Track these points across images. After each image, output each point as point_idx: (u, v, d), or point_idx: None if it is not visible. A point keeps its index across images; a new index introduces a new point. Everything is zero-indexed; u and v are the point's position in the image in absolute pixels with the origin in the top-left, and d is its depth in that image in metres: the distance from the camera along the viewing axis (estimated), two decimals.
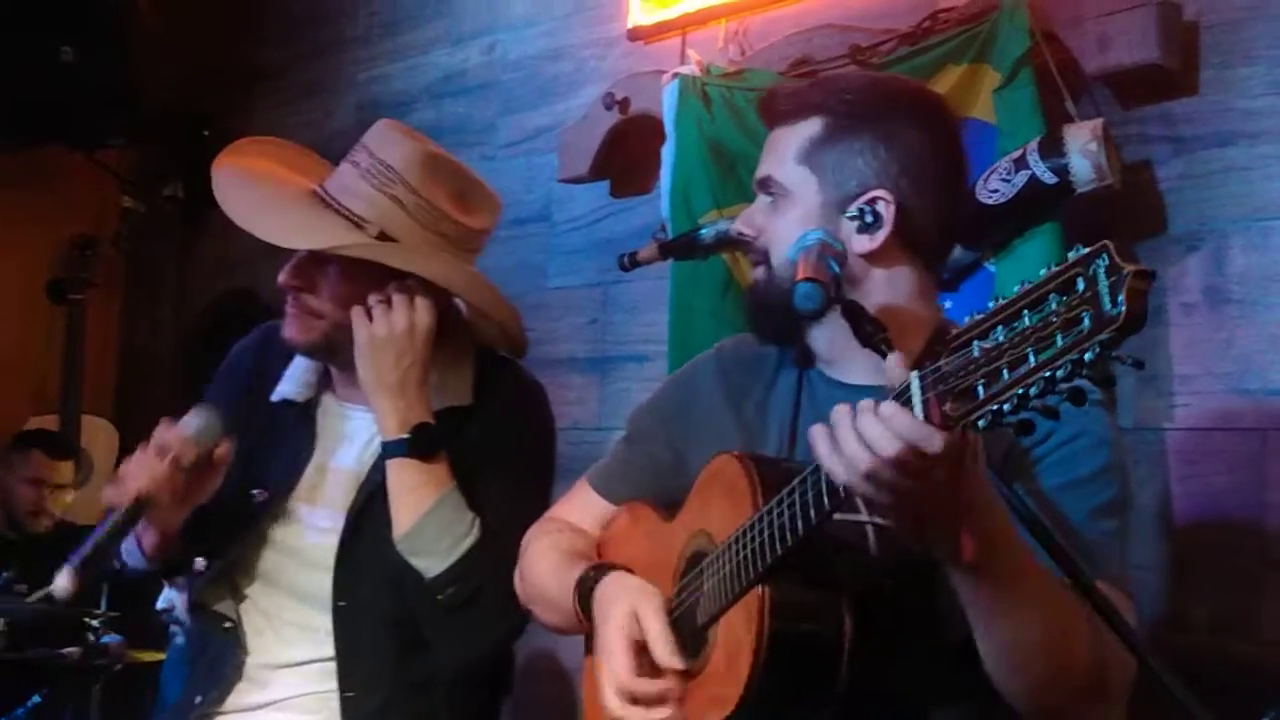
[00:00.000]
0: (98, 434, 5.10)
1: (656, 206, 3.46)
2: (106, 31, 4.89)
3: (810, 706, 1.60)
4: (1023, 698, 1.61)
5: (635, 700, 1.72)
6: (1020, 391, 1.20)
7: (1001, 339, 1.23)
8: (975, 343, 1.26)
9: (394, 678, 2.30)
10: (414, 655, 2.31)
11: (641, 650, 1.74)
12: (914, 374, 1.35)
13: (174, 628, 2.80)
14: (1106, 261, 1.14)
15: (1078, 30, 2.76)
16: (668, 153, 3.38)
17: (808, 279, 1.64)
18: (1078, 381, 1.18)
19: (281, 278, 2.32)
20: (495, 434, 2.37)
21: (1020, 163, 2.65)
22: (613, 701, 1.74)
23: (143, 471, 2.20)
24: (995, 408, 1.23)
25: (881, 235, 1.79)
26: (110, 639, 3.63)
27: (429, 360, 2.29)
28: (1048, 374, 1.18)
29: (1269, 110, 2.66)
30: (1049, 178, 2.61)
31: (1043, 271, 1.21)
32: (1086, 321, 1.15)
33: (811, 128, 1.82)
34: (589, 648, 2.05)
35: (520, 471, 2.36)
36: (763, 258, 1.86)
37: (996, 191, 2.65)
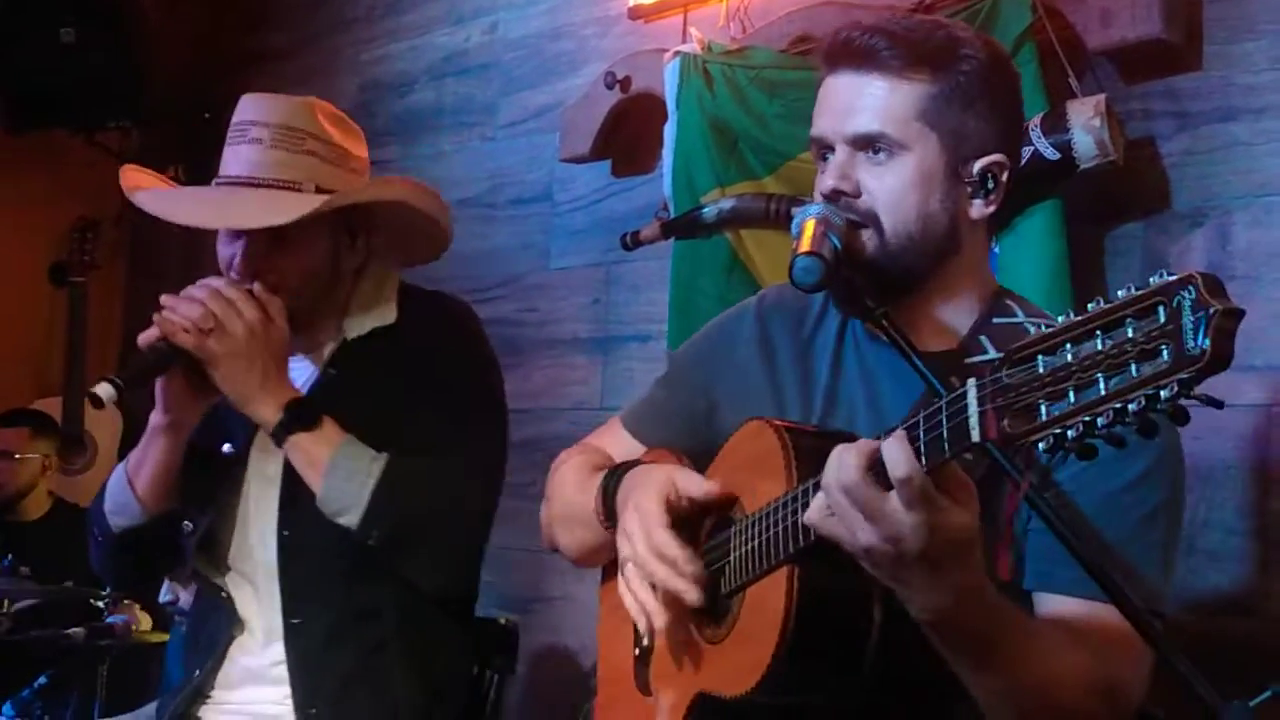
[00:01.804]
0: (102, 417, 5.09)
1: (659, 185, 3.45)
2: (107, 13, 4.88)
3: (832, 690, 1.59)
4: None
5: (662, 558, 1.68)
6: (1087, 419, 1.16)
7: (1069, 358, 1.18)
8: (1040, 357, 1.21)
9: (341, 605, 2.34)
10: (362, 583, 2.34)
11: (674, 510, 1.71)
12: (972, 381, 1.30)
13: (178, 617, 2.81)
14: (1193, 295, 1.09)
15: (1080, 5, 2.75)
16: (669, 131, 3.37)
17: (809, 253, 1.62)
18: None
19: (238, 266, 2.34)
20: (422, 348, 2.42)
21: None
22: (644, 553, 1.69)
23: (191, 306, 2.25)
24: (1059, 431, 1.19)
25: (996, 201, 1.77)
26: (115, 619, 3.65)
27: (283, 348, 2.32)
28: (1119, 405, 1.13)
29: (1273, 85, 2.65)
30: (1052, 154, 2.61)
31: (1121, 293, 1.15)
32: (1165, 355, 1.10)
33: (929, 84, 1.70)
34: (606, 577, 2.05)
35: (453, 383, 2.41)
36: (868, 220, 1.72)
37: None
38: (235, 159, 2.39)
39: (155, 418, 2.35)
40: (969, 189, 1.75)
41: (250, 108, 2.42)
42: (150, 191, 2.46)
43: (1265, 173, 2.65)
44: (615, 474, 1.87)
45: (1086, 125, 2.59)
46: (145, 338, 2.25)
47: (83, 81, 4.89)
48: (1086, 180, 2.67)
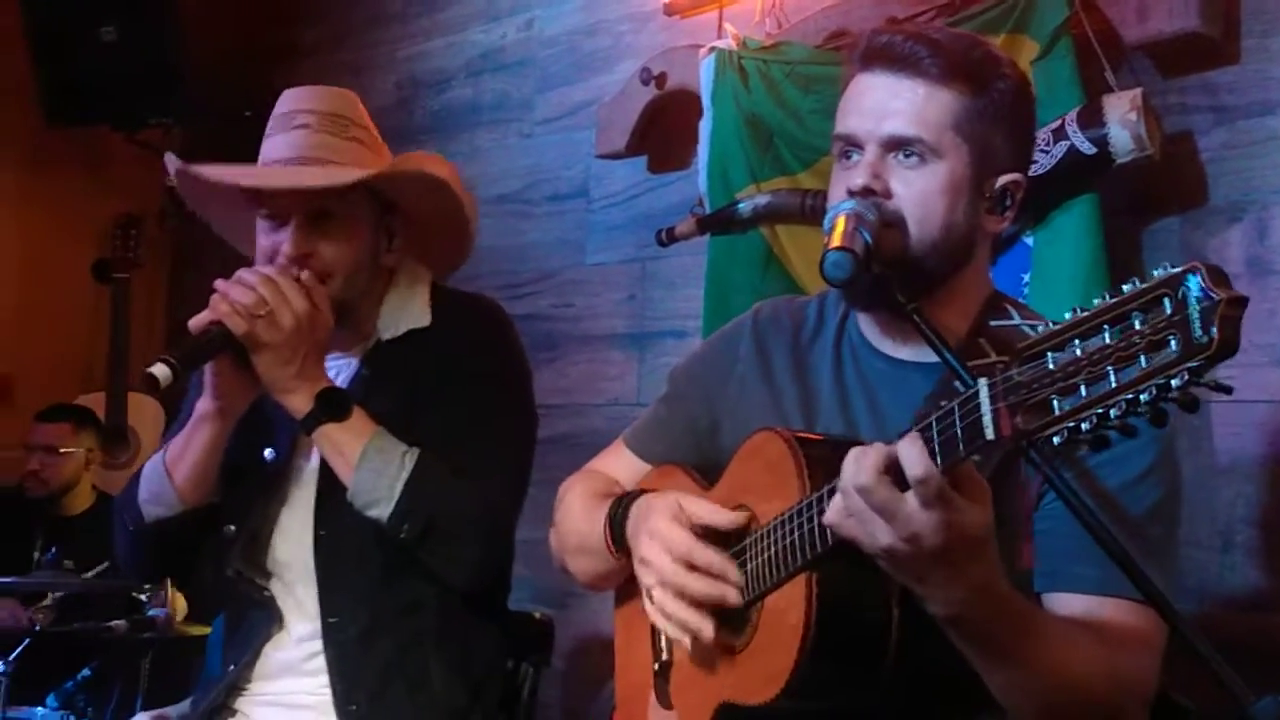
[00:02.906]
0: (144, 412, 5.15)
1: (694, 181, 3.46)
2: (148, 11, 4.92)
3: (855, 692, 1.60)
4: None
5: (694, 568, 1.69)
6: (1100, 411, 1.18)
7: (1079, 353, 1.20)
8: (1049, 354, 1.23)
9: (379, 602, 2.34)
10: (398, 579, 2.35)
11: (693, 528, 1.72)
12: (982, 381, 1.32)
13: None
14: (1198, 285, 1.11)
15: None
16: (705, 127, 3.38)
17: (840, 248, 1.62)
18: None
19: (287, 250, 2.33)
20: (455, 350, 2.42)
21: (1059, 134, 2.63)
22: (672, 573, 1.69)
23: (249, 295, 2.23)
24: (1072, 424, 1.21)
25: (1010, 219, 1.81)
26: (156, 612, 3.68)
27: (325, 338, 2.32)
28: (1130, 396, 1.15)
29: None
30: (1088, 148, 2.60)
31: (1126, 287, 1.17)
32: (1173, 345, 1.12)
33: (964, 95, 1.72)
34: (619, 599, 2.07)
35: (485, 384, 2.40)
36: (895, 222, 1.71)
37: (1035, 163, 2.62)
38: (281, 145, 2.39)
39: (203, 404, 2.34)
40: (988, 204, 1.77)
41: (294, 98, 2.44)
42: (203, 166, 2.45)
43: None
44: (621, 503, 1.88)
45: (1123, 119, 2.57)
46: (197, 322, 2.24)
47: (124, 79, 4.93)
48: (1123, 175, 2.66)
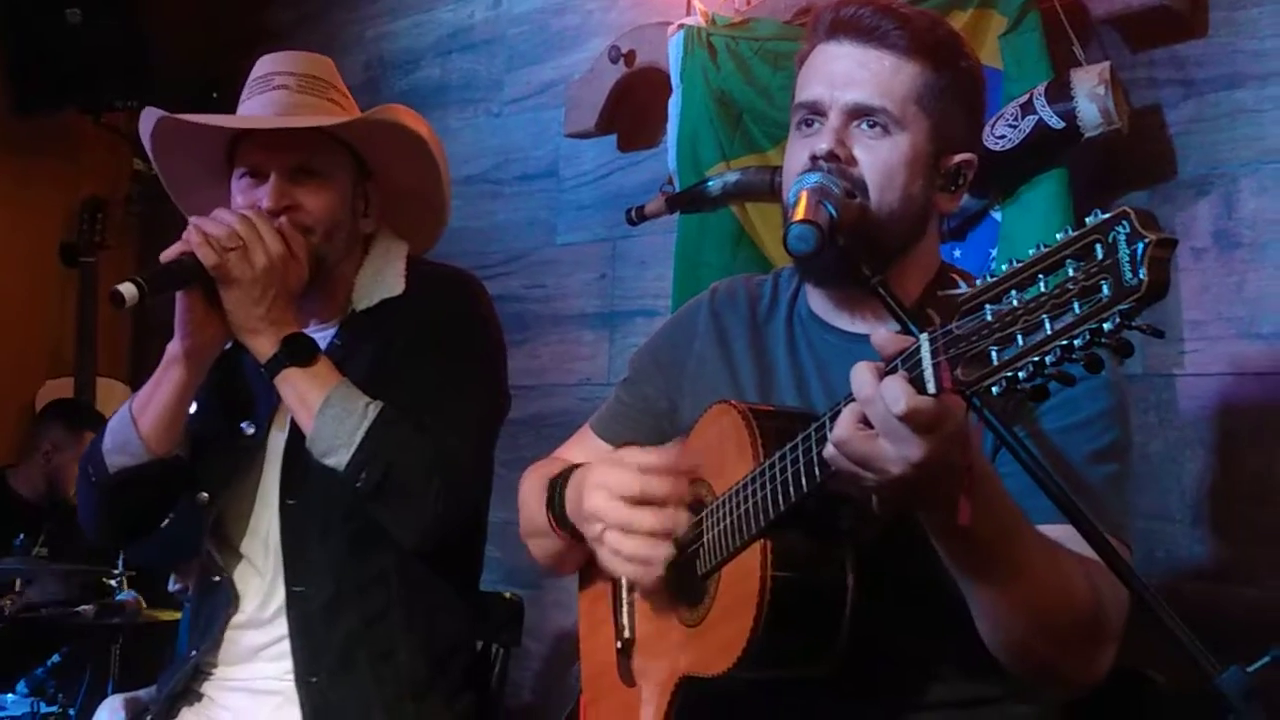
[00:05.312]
0: (113, 396, 5.12)
1: (664, 160, 3.44)
2: None
3: (811, 661, 1.60)
4: (1007, 651, 1.60)
5: (642, 501, 1.70)
6: (1036, 359, 1.19)
7: (1015, 303, 1.21)
8: (987, 306, 1.24)
9: (344, 573, 2.33)
10: (365, 550, 2.34)
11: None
12: (924, 336, 1.33)
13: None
14: (1127, 229, 1.12)
15: None
16: (674, 105, 3.36)
17: (804, 220, 1.62)
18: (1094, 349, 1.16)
19: (267, 203, 2.32)
20: (427, 316, 2.42)
21: (1027, 108, 2.62)
22: (615, 511, 1.71)
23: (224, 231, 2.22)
24: (1010, 374, 1.22)
25: (958, 198, 1.83)
26: (126, 596, 3.66)
27: (298, 285, 2.31)
28: (1065, 342, 1.16)
29: (1278, 51, 2.63)
30: (1056, 122, 2.59)
31: (1059, 236, 1.19)
32: (1105, 290, 1.13)
33: (927, 71, 1.74)
34: (583, 581, 2.07)
35: (454, 349, 2.40)
36: (857, 189, 1.72)
37: (1003, 138, 2.63)
38: (261, 105, 2.39)
39: (172, 346, 2.31)
40: (942, 180, 1.79)
41: (271, 61, 2.44)
42: (184, 115, 2.41)
43: (1271, 139, 2.63)
44: (558, 480, 1.89)
45: (1091, 93, 2.57)
46: (168, 254, 2.22)
47: (90, 62, 4.90)
48: (1091, 149, 2.65)
